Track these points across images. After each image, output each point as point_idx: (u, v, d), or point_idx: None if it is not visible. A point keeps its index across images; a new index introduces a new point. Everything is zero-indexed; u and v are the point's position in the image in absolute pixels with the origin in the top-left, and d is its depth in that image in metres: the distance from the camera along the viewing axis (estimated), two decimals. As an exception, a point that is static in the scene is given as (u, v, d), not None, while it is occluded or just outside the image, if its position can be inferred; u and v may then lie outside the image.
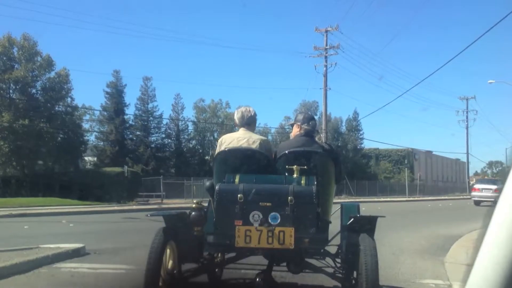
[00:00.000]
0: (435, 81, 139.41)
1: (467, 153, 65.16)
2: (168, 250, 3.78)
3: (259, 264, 4.32)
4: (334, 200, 4.58)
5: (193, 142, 53.04)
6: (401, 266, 6.61)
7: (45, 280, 5.49)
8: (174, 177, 39.85)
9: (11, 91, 32.46)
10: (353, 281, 3.92)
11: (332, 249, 4.30)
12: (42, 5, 65.51)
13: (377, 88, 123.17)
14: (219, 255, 4.38)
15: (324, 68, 38.73)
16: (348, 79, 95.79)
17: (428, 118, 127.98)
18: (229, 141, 4.36)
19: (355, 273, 3.88)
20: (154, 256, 3.54)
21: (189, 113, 64.77)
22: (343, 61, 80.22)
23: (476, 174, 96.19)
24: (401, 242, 9.48)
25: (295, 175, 3.95)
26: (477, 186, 28.93)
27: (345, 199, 30.71)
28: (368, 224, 3.95)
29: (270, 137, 47.33)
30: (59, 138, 33.90)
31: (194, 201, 4.09)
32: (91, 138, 45.57)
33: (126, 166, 33.43)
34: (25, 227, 12.66)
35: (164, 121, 50.15)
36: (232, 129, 38.39)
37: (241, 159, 4.14)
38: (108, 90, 45.44)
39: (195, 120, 52.24)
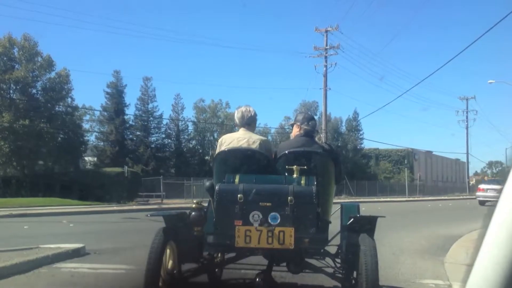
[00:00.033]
0: (435, 81, 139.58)
1: (467, 153, 65.18)
2: (168, 250, 3.78)
3: (259, 264, 4.32)
4: (334, 200, 4.58)
5: (193, 142, 53.08)
6: (401, 266, 6.62)
7: (45, 280, 5.49)
8: (174, 177, 39.86)
9: (11, 91, 32.47)
10: (353, 281, 3.92)
11: (332, 249, 4.30)
12: (42, 5, 65.64)
13: (377, 88, 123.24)
14: (219, 255, 4.37)
15: (324, 68, 38.76)
16: (348, 79, 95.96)
17: (428, 118, 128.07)
18: (229, 141, 4.36)
19: (355, 273, 3.88)
20: (154, 256, 3.54)
21: (189, 113, 64.93)
22: (343, 61, 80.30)
23: (476, 174, 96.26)
24: (401, 242, 9.48)
25: (295, 175, 3.95)
26: (482, 186, 29.07)
27: (345, 199, 30.70)
28: (368, 224, 3.95)
29: (270, 137, 47.34)
30: (60, 138, 33.92)
31: (194, 201, 4.09)
32: (91, 138, 45.71)
33: (126, 166, 33.43)
34: (25, 227, 12.66)
35: (164, 121, 50.29)
36: (232, 129, 38.39)
37: (241, 159, 4.14)
38: (108, 90, 45.54)
39: (195, 120, 52.29)
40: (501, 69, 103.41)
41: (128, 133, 47.88)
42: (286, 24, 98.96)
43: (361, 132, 59.68)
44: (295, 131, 4.51)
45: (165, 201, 31.34)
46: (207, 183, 3.98)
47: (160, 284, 3.62)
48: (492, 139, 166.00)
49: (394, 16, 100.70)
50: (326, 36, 38.94)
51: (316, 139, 4.48)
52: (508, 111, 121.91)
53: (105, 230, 12.63)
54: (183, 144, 51.53)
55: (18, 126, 29.93)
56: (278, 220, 3.60)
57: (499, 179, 34.23)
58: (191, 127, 52.61)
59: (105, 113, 45.99)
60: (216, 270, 4.71)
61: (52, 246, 7.24)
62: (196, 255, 4.07)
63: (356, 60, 73.43)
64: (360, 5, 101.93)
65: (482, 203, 27.36)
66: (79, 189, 28.15)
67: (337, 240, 4.30)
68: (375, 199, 38.48)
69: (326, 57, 38.81)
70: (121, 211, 20.70)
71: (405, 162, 56.14)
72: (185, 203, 24.60)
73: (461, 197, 51.50)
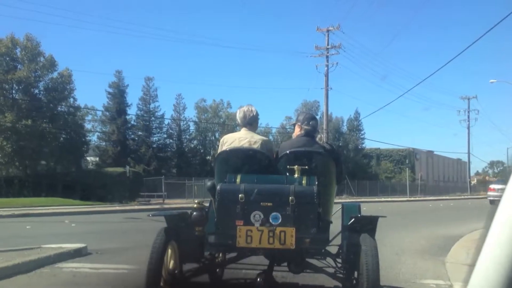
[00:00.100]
0: (436, 80, 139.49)
1: (468, 153, 65.09)
2: (169, 250, 3.78)
3: (260, 264, 4.32)
4: (335, 200, 4.58)
5: (195, 142, 53.11)
6: (402, 266, 6.61)
7: (47, 280, 5.50)
8: (175, 177, 39.87)
9: (14, 91, 32.49)
10: (354, 281, 3.92)
11: (333, 249, 4.30)
12: (44, 5, 65.72)
13: (378, 88, 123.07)
14: (220, 255, 4.38)
15: (326, 68, 38.74)
16: (349, 79, 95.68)
17: (429, 118, 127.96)
18: (230, 141, 4.36)
19: (356, 273, 3.88)
20: (155, 256, 3.55)
21: (190, 113, 64.95)
22: (344, 60, 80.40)
23: (477, 174, 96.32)
24: (402, 242, 9.48)
25: (296, 175, 3.95)
26: (493, 186, 29.20)
27: (346, 199, 30.68)
28: (369, 224, 3.96)
29: (271, 137, 47.32)
30: (62, 138, 33.96)
31: (196, 201, 4.09)
32: (93, 138, 45.79)
33: (128, 166, 33.45)
34: (27, 227, 12.68)
35: (166, 121, 50.29)
36: (233, 129, 38.45)
37: (242, 159, 4.14)
38: (110, 90, 45.50)
39: (197, 120, 52.30)
40: (503, 68, 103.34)
41: (130, 133, 47.90)
42: (287, 24, 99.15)
43: (362, 132, 59.71)
44: (297, 131, 4.51)
45: (166, 201, 31.34)
46: (209, 183, 3.98)
47: (162, 284, 3.62)
48: (494, 138, 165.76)
49: (395, 16, 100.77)
50: (328, 36, 38.97)
51: (317, 139, 4.47)
52: (510, 110, 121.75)
53: (107, 230, 12.64)
54: (185, 144, 51.55)
55: (20, 126, 29.97)
56: (279, 220, 3.60)
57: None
58: (192, 127, 52.68)
59: (107, 113, 46.01)
60: (217, 270, 4.72)
61: (54, 246, 7.25)
62: (198, 255, 4.07)
63: (358, 60, 73.59)
64: (361, 4, 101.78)
65: (492, 202, 27.50)
66: (81, 189, 28.17)
67: (338, 240, 4.30)
68: (376, 199, 38.46)
69: (327, 56, 38.82)
70: (123, 211, 20.72)
71: (407, 162, 56.13)
72: (186, 203, 24.60)
73: (463, 197, 51.46)
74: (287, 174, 4.02)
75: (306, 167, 3.99)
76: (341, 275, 4.11)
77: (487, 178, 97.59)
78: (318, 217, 3.68)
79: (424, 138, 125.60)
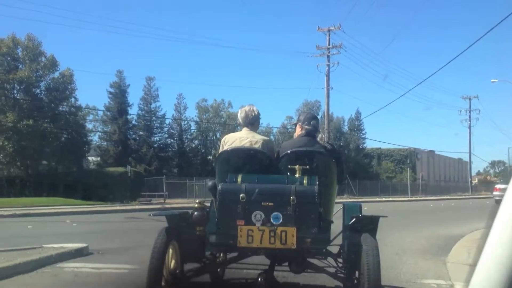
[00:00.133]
0: (438, 80, 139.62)
1: (470, 152, 65.03)
2: (170, 250, 3.78)
3: (261, 264, 4.32)
4: (336, 200, 4.57)
5: (196, 142, 53.14)
6: (403, 266, 6.61)
7: (49, 280, 5.50)
8: (176, 177, 39.87)
9: (15, 91, 32.52)
10: (355, 281, 3.92)
11: (334, 249, 4.30)
12: (45, 5, 65.74)
13: (379, 87, 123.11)
14: (221, 255, 4.38)
15: (327, 68, 38.72)
16: (350, 79, 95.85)
17: (430, 118, 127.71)
18: (231, 140, 4.36)
19: (357, 273, 3.88)
20: (156, 256, 3.55)
21: (191, 113, 64.98)
22: (345, 60, 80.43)
23: (478, 173, 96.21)
24: (403, 242, 9.47)
25: (297, 175, 3.95)
26: (498, 186, 29.27)
27: (347, 199, 30.66)
28: (370, 224, 3.95)
29: (272, 137, 47.29)
30: (63, 138, 33.98)
31: (197, 201, 4.10)
32: (95, 138, 45.81)
33: (129, 166, 33.45)
34: (28, 227, 12.69)
35: (167, 121, 50.33)
36: (234, 129, 38.43)
37: (243, 159, 4.14)
38: (112, 90, 45.55)
39: (198, 120, 52.32)
40: (504, 68, 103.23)
41: (131, 133, 47.94)
42: (288, 23, 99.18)
43: (363, 132, 59.71)
44: (298, 131, 4.51)
45: (167, 200, 31.36)
46: (210, 183, 3.98)
47: (163, 283, 3.62)
48: (495, 138, 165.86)
49: (396, 16, 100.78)
50: (329, 36, 38.94)
51: (318, 139, 4.47)
52: (511, 110, 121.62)
53: (108, 230, 12.65)
54: (186, 144, 51.58)
55: (22, 126, 29.99)
56: (280, 220, 3.60)
57: None
58: (193, 127, 52.72)
59: (108, 113, 46.04)
60: (218, 270, 4.71)
61: (55, 245, 7.25)
62: (199, 254, 4.07)
63: (359, 60, 73.55)
64: (362, 4, 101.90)
65: (498, 202, 27.54)
66: (82, 189, 28.19)
67: (339, 240, 4.30)
68: (377, 199, 38.44)
69: (328, 56, 38.78)
70: (124, 210, 20.75)
71: (408, 162, 56.10)
72: (187, 203, 24.65)
73: (464, 196, 51.44)
74: (288, 174, 4.02)
75: (307, 167, 3.99)
76: (342, 275, 4.11)
77: (488, 178, 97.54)
78: (319, 217, 3.68)
79: (425, 138, 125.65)
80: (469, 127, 62.93)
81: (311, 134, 4.40)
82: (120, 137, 44.65)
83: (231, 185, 3.85)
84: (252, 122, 4.50)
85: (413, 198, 42.66)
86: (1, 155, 30.64)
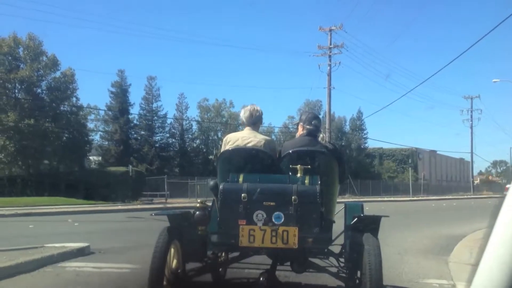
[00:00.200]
0: (439, 80, 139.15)
1: (471, 152, 64.92)
2: (172, 250, 3.78)
3: (262, 263, 4.31)
4: (338, 200, 4.57)
5: (197, 141, 53.14)
6: (405, 266, 6.60)
7: (50, 279, 5.50)
8: (178, 177, 39.88)
9: (16, 90, 32.55)
10: (357, 281, 3.92)
11: (336, 249, 4.30)
12: (46, 4, 65.82)
13: (381, 87, 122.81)
14: (223, 254, 4.37)
15: (328, 67, 38.74)
16: (352, 78, 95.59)
17: (432, 118, 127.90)
18: (234, 140, 4.36)
19: (358, 272, 3.87)
20: (158, 256, 3.55)
21: (193, 113, 65.01)
22: (347, 60, 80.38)
23: (480, 173, 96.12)
24: (404, 242, 9.46)
25: (299, 175, 3.95)
26: (508, 186, 29.23)
27: (348, 199, 30.66)
28: (372, 224, 3.95)
29: (273, 137, 47.26)
30: (64, 138, 33.99)
31: (198, 201, 4.10)
32: (96, 137, 45.82)
33: (130, 166, 33.49)
34: (30, 226, 12.70)
35: (168, 121, 50.38)
36: (236, 128, 38.44)
37: (245, 159, 4.14)
38: (113, 89, 45.63)
39: (199, 119, 52.32)
40: (506, 68, 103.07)
41: (133, 132, 48.00)
42: (289, 23, 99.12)
43: (365, 132, 59.73)
44: (300, 130, 4.51)
45: (169, 200, 31.38)
46: (211, 182, 3.98)
47: (165, 283, 3.62)
48: (497, 138, 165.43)
49: (398, 15, 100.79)
50: (330, 35, 38.94)
51: (320, 138, 4.46)
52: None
53: (109, 229, 12.65)
54: (187, 143, 51.60)
55: (23, 125, 30.03)
56: (282, 220, 3.59)
57: None
58: (195, 127, 52.75)
59: (110, 113, 46.09)
60: (220, 269, 4.71)
61: (57, 245, 7.25)
62: (200, 254, 4.07)
63: (360, 59, 73.50)
64: (363, 4, 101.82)
65: None
66: (84, 188, 28.21)
67: (341, 240, 4.30)
68: (379, 199, 38.40)
69: (330, 56, 38.78)
70: (125, 210, 20.76)
71: (409, 162, 56.03)
72: (189, 203, 24.66)
73: (466, 196, 51.35)
74: (290, 173, 4.02)
75: (309, 166, 3.99)
76: (344, 275, 4.11)
77: (490, 177, 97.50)
78: (321, 216, 3.68)
79: (427, 137, 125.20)
80: (471, 127, 62.94)
81: (312, 134, 4.39)
82: (122, 136, 44.68)
83: (232, 184, 3.85)
84: (256, 121, 4.51)
85: (415, 198, 42.60)
86: (3, 154, 30.66)
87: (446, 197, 48.98)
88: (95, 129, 45.21)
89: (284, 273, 4.69)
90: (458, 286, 5.14)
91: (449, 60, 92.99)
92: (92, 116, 43.99)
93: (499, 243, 1.23)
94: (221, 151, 4.38)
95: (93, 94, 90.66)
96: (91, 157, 44.36)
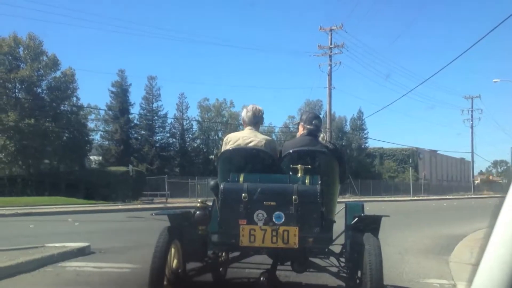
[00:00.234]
0: (440, 80, 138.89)
1: (472, 152, 64.95)
2: (172, 249, 3.78)
3: (263, 263, 4.31)
4: (338, 200, 4.57)
5: (198, 141, 53.15)
6: (406, 266, 6.60)
7: (50, 279, 5.50)
8: (178, 176, 39.92)
9: (16, 90, 32.57)
10: (358, 281, 3.92)
11: (337, 249, 4.30)
12: (46, 4, 65.89)
13: (381, 87, 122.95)
14: (224, 254, 4.37)
15: (329, 67, 38.74)
16: (352, 78, 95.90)
17: (432, 118, 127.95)
18: (234, 140, 4.36)
19: (359, 272, 3.87)
20: (158, 255, 3.55)
21: (193, 113, 65.03)
22: (347, 60, 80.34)
23: (481, 173, 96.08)
24: (405, 242, 9.46)
25: (299, 175, 3.95)
26: None
27: (349, 199, 30.67)
28: (372, 224, 3.95)
29: (274, 137, 47.27)
30: (65, 138, 34.01)
31: (199, 200, 4.09)
32: (96, 137, 45.83)
33: (131, 165, 33.51)
34: (30, 226, 12.70)
35: (169, 121, 50.39)
36: (236, 128, 38.44)
37: (245, 158, 4.15)
38: (113, 89, 45.64)
39: (200, 119, 52.33)
40: (506, 67, 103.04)
41: (133, 132, 48.02)
42: (290, 23, 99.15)
43: (365, 131, 59.74)
44: (300, 130, 4.51)
45: (169, 200, 31.40)
46: (212, 182, 3.98)
47: (165, 283, 3.62)
48: (497, 138, 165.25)
49: (398, 15, 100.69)
50: (331, 35, 38.94)
51: (320, 138, 4.46)
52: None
53: (110, 229, 12.65)
54: (188, 143, 51.62)
55: (23, 125, 30.04)
56: (283, 219, 3.59)
57: None
58: (195, 126, 52.77)
59: (110, 112, 46.11)
60: (221, 269, 4.71)
61: (57, 245, 7.25)
62: (201, 254, 4.07)
63: (361, 59, 73.44)
64: (364, 4, 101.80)
65: None
66: (84, 188, 28.22)
67: (341, 240, 4.30)
68: (380, 198, 38.41)
69: (330, 56, 38.77)
70: (126, 210, 20.77)
71: (410, 161, 55.96)
72: (189, 202, 24.65)
73: (466, 196, 51.37)
74: (290, 173, 4.01)
75: (310, 166, 3.99)
76: (344, 275, 4.11)
77: (490, 177, 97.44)
78: (321, 216, 3.68)
79: (428, 137, 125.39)
80: (471, 127, 62.99)
81: (313, 133, 4.40)
82: (122, 136, 44.70)
83: (233, 184, 3.85)
84: (258, 121, 4.52)
85: (415, 198, 42.61)
86: (3, 154, 30.68)
87: (447, 197, 48.98)
88: (95, 129, 45.28)
89: (285, 273, 4.69)
90: (458, 286, 5.13)
91: (449, 59, 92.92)
92: (93, 116, 44.04)
93: (500, 243, 1.23)
94: (222, 150, 4.38)
95: (93, 94, 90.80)
96: (91, 157, 44.40)
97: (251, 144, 4.27)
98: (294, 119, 51.01)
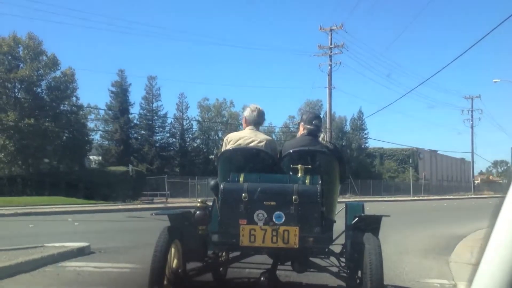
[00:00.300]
0: (440, 80, 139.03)
1: (472, 152, 64.91)
2: (173, 249, 3.78)
3: (263, 263, 4.31)
4: (339, 199, 4.57)
5: (198, 141, 53.16)
6: (406, 266, 6.60)
7: (50, 279, 5.50)
8: (178, 176, 39.93)
9: (16, 90, 32.56)
10: (358, 281, 3.92)
11: (337, 248, 4.30)
12: (46, 4, 65.88)
13: (381, 87, 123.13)
14: (224, 254, 4.37)
15: (329, 67, 38.72)
16: (352, 78, 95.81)
17: (432, 118, 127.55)
18: (235, 139, 4.36)
19: (359, 272, 3.87)
20: (159, 255, 3.54)
21: (193, 112, 65.04)
22: (347, 60, 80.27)
23: (481, 173, 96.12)
24: (405, 242, 9.46)
25: (299, 174, 3.94)
26: None
27: (349, 198, 30.66)
28: (372, 224, 3.94)
29: (274, 137, 47.28)
30: (65, 137, 34.01)
31: (199, 200, 4.09)
32: (96, 137, 45.81)
33: (131, 165, 33.51)
34: (30, 226, 12.70)
35: (169, 120, 50.40)
36: (236, 128, 38.44)
37: (246, 158, 4.15)
38: (113, 89, 45.64)
39: (200, 119, 52.34)
40: (507, 68, 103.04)
41: (133, 132, 48.03)
42: (290, 23, 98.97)
43: (365, 131, 59.74)
44: (300, 130, 4.51)
45: (169, 200, 31.40)
46: (212, 182, 3.98)
47: (165, 283, 3.62)
48: (497, 138, 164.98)
49: (399, 15, 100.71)
50: (331, 35, 38.94)
51: (320, 138, 4.46)
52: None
53: (110, 229, 12.65)
54: (188, 143, 51.62)
55: (23, 125, 30.04)
56: (283, 219, 3.59)
57: None
58: (195, 126, 52.77)
59: (110, 112, 46.11)
60: (221, 269, 4.72)
61: (57, 244, 7.25)
62: (201, 254, 4.07)
63: (361, 59, 73.37)
64: (364, 4, 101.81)
65: None
66: (84, 188, 28.23)
67: (341, 239, 4.30)
68: (380, 198, 38.41)
69: (330, 56, 38.76)
70: (126, 210, 20.76)
71: (410, 161, 55.98)
72: (189, 202, 24.65)
73: (466, 196, 51.37)
74: (291, 173, 4.01)
75: (310, 166, 3.99)
76: (344, 274, 4.10)
77: (490, 177, 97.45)
78: (321, 216, 3.67)
79: (428, 137, 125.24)
80: (472, 127, 62.92)
81: (313, 133, 4.40)
82: (122, 136, 44.70)
83: (233, 184, 3.84)
84: (260, 121, 4.54)
85: (415, 198, 42.60)
86: (3, 154, 30.67)
87: (447, 197, 48.97)
88: (95, 129, 45.26)
89: (285, 273, 4.69)
90: (459, 285, 5.13)
91: (449, 60, 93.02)
92: (92, 116, 44.02)
93: (500, 243, 1.23)
94: (222, 150, 4.37)
95: (93, 94, 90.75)
96: (91, 157, 44.37)
97: (252, 144, 4.27)
98: (294, 119, 51.11)
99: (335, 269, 4.18)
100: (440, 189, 63.65)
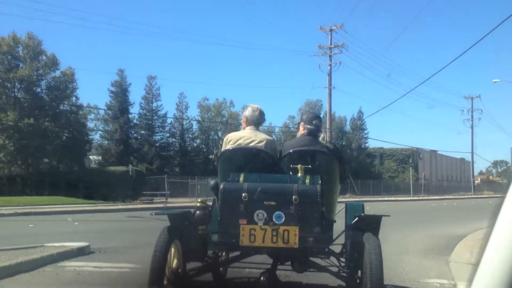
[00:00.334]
0: (440, 80, 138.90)
1: (472, 152, 64.90)
2: (172, 249, 3.78)
3: (263, 263, 4.31)
4: (339, 199, 4.57)
5: (198, 141, 53.15)
6: (406, 265, 6.60)
7: (50, 279, 5.50)
8: (178, 176, 39.93)
9: (16, 90, 32.56)
10: (358, 280, 3.92)
11: (337, 248, 4.30)
12: (46, 4, 65.82)
13: (381, 87, 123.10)
14: (224, 254, 4.37)
15: (329, 67, 38.71)
16: (352, 78, 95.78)
17: (432, 118, 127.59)
18: (235, 139, 4.36)
19: (359, 272, 3.87)
20: (158, 255, 3.54)
21: (193, 112, 65.04)
22: (347, 59, 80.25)
23: (481, 173, 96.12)
24: (405, 241, 9.46)
25: (299, 174, 3.94)
26: None
27: (349, 198, 30.67)
28: (372, 223, 3.94)
29: (274, 136, 47.28)
30: (64, 137, 34.01)
31: (199, 200, 4.09)
32: (96, 137, 45.81)
33: (130, 165, 33.50)
34: (30, 225, 12.69)
35: (169, 120, 50.40)
36: (236, 127, 38.42)
37: (246, 158, 4.15)
38: (113, 89, 45.62)
39: (200, 119, 52.33)
40: (506, 68, 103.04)
41: (133, 132, 48.03)
42: (290, 23, 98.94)
43: (365, 131, 59.73)
44: (300, 130, 4.51)
45: (169, 200, 31.39)
46: (212, 182, 3.98)
47: (165, 282, 3.62)
48: (497, 138, 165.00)
49: (399, 15, 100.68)
50: (331, 35, 38.93)
51: (320, 138, 4.46)
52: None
53: (110, 228, 12.65)
54: (188, 143, 51.61)
55: (22, 124, 30.03)
56: (283, 219, 3.59)
57: None
58: (195, 126, 52.77)
59: (110, 112, 46.09)
60: (221, 269, 4.72)
61: (56, 244, 7.25)
62: (201, 254, 4.07)
63: (361, 59, 73.33)
64: (364, 4, 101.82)
65: None
66: (84, 187, 28.23)
67: (341, 239, 4.30)
68: (380, 198, 38.41)
69: (330, 56, 38.76)
70: (126, 209, 20.76)
71: (410, 161, 55.95)
72: (189, 202, 24.65)
73: (466, 196, 51.36)
74: (291, 173, 4.01)
75: (310, 166, 3.99)
76: (344, 274, 4.10)
77: (490, 177, 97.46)
78: (321, 216, 3.67)
79: (428, 137, 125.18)
80: (472, 127, 62.91)
81: (313, 133, 4.40)
82: (122, 136, 44.69)
83: (233, 184, 3.84)
84: (261, 121, 4.54)
85: (415, 198, 42.59)
86: (2, 153, 30.68)
87: (447, 197, 48.96)
88: (95, 129, 45.27)
89: (285, 273, 4.69)
90: (459, 285, 5.13)
91: (450, 60, 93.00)
92: (92, 116, 44.03)
93: (500, 243, 1.23)
94: (222, 150, 4.37)
95: (93, 94, 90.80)
96: (91, 157, 44.37)
97: (252, 144, 4.27)
98: (294, 119, 51.12)
99: (335, 269, 4.18)
100: (440, 189, 63.65)
